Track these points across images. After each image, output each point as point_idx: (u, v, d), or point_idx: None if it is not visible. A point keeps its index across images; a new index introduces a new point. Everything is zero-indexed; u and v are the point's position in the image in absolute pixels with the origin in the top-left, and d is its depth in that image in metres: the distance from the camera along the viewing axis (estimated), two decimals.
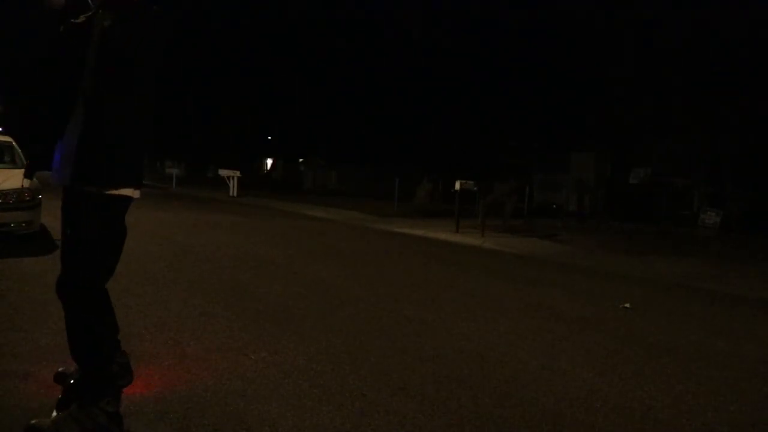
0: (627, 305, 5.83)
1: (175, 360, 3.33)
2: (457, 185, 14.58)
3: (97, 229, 2.36)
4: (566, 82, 24.16)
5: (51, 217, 9.87)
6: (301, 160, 45.73)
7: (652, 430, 2.84)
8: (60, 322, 3.94)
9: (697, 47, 18.83)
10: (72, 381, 2.47)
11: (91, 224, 2.35)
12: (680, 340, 4.59)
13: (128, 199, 2.44)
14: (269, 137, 46.81)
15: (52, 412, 2.41)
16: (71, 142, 2.34)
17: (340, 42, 35.21)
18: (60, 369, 2.67)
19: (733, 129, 18.64)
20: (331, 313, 4.74)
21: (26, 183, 7.15)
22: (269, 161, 49.88)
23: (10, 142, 8.83)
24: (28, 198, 6.94)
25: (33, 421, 2.31)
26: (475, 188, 15.17)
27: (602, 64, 21.90)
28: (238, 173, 26.90)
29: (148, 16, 2.37)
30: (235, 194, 25.69)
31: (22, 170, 7.84)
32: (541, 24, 25.78)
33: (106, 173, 2.33)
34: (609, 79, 21.82)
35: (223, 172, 28.30)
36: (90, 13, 2.33)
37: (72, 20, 2.33)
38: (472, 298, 5.75)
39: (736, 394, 3.39)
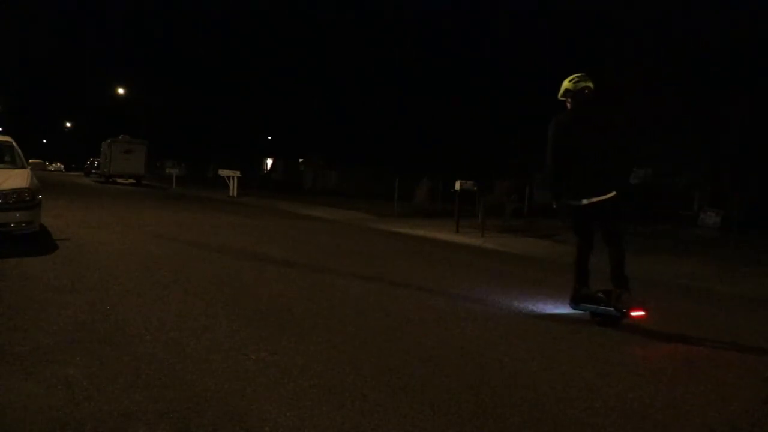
0: None
1: (175, 360, 3.33)
2: (457, 185, 14.59)
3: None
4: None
5: (51, 217, 9.88)
6: (301, 160, 45.74)
7: (652, 430, 2.84)
8: (60, 322, 3.96)
9: (697, 46, 18.82)
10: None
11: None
12: (680, 340, 4.59)
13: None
14: (269, 137, 46.84)
15: (50, 409, 2.40)
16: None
17: (342, 42, 35.20)
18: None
19: (733, 129, 18.64)
20: (331, 312, 4.74)
21: (26, 183, 7.16)
22: (269, 161, 49.91)
23: (10, 142, 8.83)
24: (28, 198, 6.93)
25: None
26: (475, 188, 15.18)
27: (602, 63, 21.90)
28: (238, 173, 26.91)
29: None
30: (235, 194, 25.69)
31: (23, 170, 7.86)
32: (541, 23, 25.79)
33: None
34: (609, 78, 21.81)
35: (223, 172, 28.32)
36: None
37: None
38: (472, 299, 5.75)
39: (736, 394, 3.39)
